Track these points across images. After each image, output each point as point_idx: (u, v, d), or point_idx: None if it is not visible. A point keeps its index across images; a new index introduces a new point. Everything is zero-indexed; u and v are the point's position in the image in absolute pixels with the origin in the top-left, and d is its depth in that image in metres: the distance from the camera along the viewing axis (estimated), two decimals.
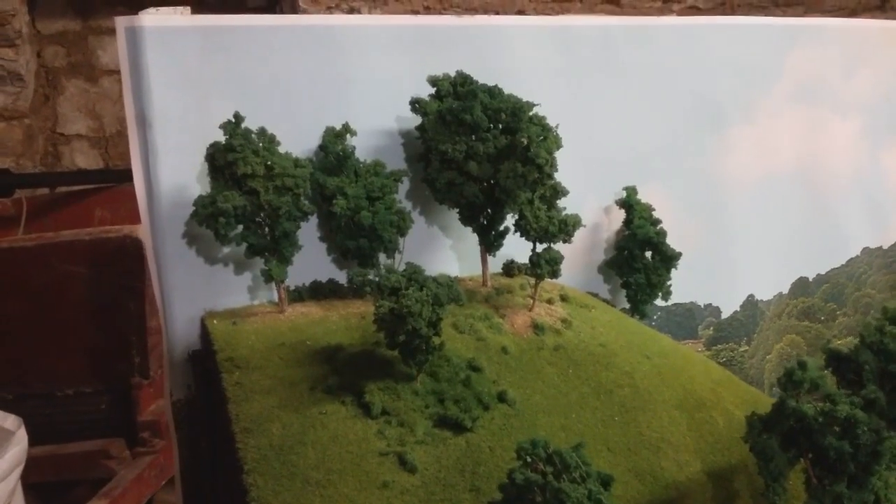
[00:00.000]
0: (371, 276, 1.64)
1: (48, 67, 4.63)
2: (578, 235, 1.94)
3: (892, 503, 1.45)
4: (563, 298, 1.91)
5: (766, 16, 4.43)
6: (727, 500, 1.60)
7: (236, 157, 1.59)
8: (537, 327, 1.77)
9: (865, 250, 2.50)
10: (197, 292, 1.72)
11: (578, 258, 2.11)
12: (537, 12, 4.30)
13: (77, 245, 2.96)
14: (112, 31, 1.68)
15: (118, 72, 1.72)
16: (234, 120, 1.62)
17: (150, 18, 1.65)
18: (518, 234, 1.80)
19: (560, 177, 1.79)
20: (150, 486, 2.91)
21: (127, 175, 1.74)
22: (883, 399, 1.44)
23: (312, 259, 1.81)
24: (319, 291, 1.80)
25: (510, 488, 1.23)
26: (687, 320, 2.22)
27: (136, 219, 1.81)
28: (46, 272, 2.92)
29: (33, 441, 2.39)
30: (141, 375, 2.98)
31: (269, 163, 1.62)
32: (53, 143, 4.70)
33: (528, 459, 1.24)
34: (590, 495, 1.19)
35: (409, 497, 1.42)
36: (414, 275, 1.53)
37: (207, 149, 1.64)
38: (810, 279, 2.42)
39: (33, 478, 2.65)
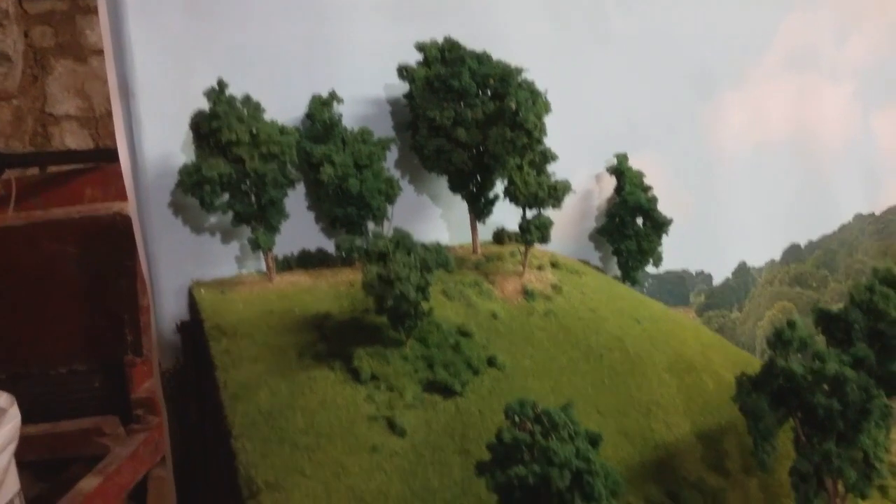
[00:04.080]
0: (359, 243, 1.63)
1: (36, 47, 4.58)
2: (569, 203, 1.93)
3: (881, 461, 1.45)
4: (554, 265, 1.90)
5: None
6: (717, 461, 1.61)
7: (220, 125, 1.57)
8: (527, 293, 1.76)
9: (858, 216, 2.50)
10: (184, 262, 1.71)
11: (570, 226, 2.11)
12: None
13: (67, 223, 2.95)
14: None
15: None
16: (217, 87, 1.60)
17: None
18: (507, 200, 1.79)
19: (551, 144, 1.78)
20: (145, 462, 2.92)
21: (117, 154, 1.72)
22: (872, 357, 1.44)
23: (301, 228, 1.80)
24: (308, 260, 1.80)
25: (498, 448, 1.23)
26: (678, 287, 2.22)
27: (126, 197, 1.79)
28: (37, 251, 2.91)
29: (28, 420, 2.40)
30: (134, 353, 2.99)
31: (254, 130, 1.60)
32: (43, 123, 4.66)
33: (517, 419, 1.24)
34: (578, 453, 1.19)
35: (399, 460, 1.42)
36: (402, 240, 1.52)
37: (192, 117, 1.62)
38: (802, 246, 2.42)
39: (29, 456, 2.66)
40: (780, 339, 1.42)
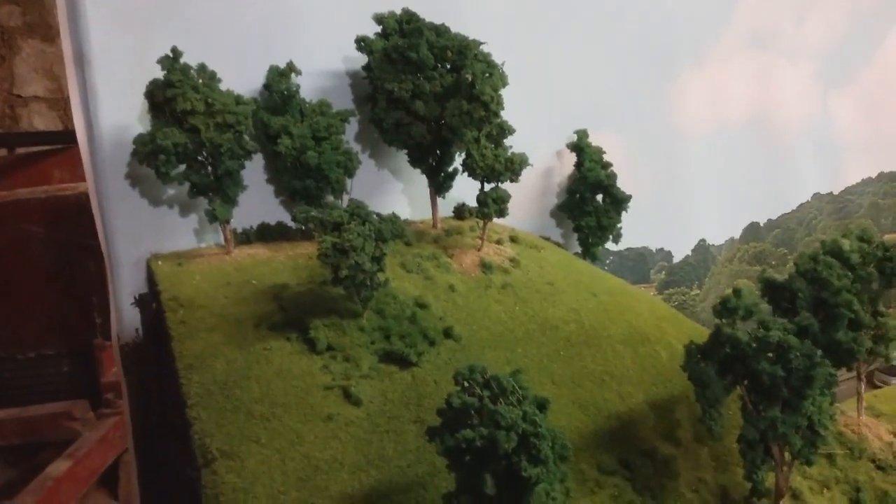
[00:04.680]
0: (315, 213, 1.64)
1: (3, 27, 4.50)
2: (531, 180, 1.94)
3: (826, 428, 1.48)
4: (513, 239, 1.92)
5: None
6: (669, 430, 1.63)
7: (175, 93, 1.56)
8: (485, 266, 1.78)
9: (816, 195, 2.55)
10: (142, 235, 1.70)
11: (531, 202, 2.12)
12: None
13: (33, 203, 2.92)
14: None
15: None
16: (172, 54, 1.59)
17: None
18: (465, 173, 1.80)
19: (512, 121, 1.79)
20: (115, 446, 2.90)
21: None
22: (816, 326, 1.46)
23: (260, 201, 1.80)
24: (267, 233, 1.79)
25: (448, 412, 1.24)
26: (639, 264, 2.25)
27: None
28: (3, 232, 2.87)
29: None
30: (103, 336, 2.95)
31: (209, 99, 1.59)
32: (10, 105, 4.59)
33: (466, 384, 1.25)
34: (525, 416, 1.20)
35: (354, 428, 1.43)
36: (357, 210, 1.52)
37: (147, 86, 1.61)
38: (761, 224, 2.46)
39: None
40: (725, 308, 1.45)
